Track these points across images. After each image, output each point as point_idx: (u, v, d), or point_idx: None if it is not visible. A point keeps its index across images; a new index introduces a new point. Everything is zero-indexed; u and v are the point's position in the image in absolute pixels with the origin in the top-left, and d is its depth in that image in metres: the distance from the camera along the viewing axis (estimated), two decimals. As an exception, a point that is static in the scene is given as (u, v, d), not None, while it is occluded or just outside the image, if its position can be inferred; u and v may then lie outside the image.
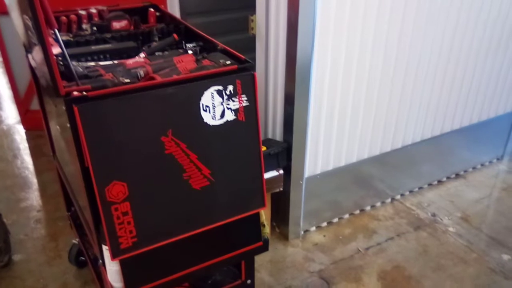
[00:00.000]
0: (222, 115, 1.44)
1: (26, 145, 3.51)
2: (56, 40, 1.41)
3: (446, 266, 2.37)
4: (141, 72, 1.46)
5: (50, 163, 2.22)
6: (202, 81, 1.38)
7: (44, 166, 3.20)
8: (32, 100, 3.49)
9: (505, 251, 2.48)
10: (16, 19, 1.58)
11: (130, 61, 1.57)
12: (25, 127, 3.68)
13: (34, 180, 3.10)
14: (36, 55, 1.66)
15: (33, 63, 1.78)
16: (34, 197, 2.93)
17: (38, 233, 2.60)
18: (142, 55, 1.67)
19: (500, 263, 2.39)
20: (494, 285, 2.25)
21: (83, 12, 1.91)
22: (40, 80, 1.82)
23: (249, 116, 1.48)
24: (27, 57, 1.88)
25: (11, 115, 3.93)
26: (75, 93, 1.27)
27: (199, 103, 1.39)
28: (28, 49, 1.84)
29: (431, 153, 2.89)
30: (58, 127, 1.68)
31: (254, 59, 2.39)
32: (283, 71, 2.22)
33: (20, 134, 3.65)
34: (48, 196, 2.92)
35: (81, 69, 1.50)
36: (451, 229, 2.65)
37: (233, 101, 1.44)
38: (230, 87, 1.42)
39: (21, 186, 3.03)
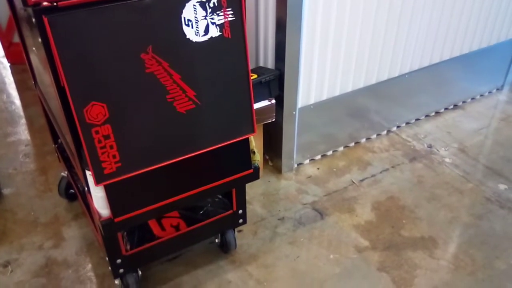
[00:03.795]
0: (206, 31, 1.34)
1: (12, 79, 3.41)
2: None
3: (441, 196, 2.35)
4: (118, -16, 1.35)
5: (36, 97, 2.14)
6: (183, -8, 1.27)
7: (31, 100, 3.12)
8: (14, 32, 3.35)
9: (501, 181, 2.45)
10: None
11: (106, -26, 1.45)
12: (9, 61, 3.57)
13: (21, 114, 3.03)
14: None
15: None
16: (21, 131, 2.86)
17: (27, 167, 2.56)
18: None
19: (496, 193, 2.37)
20: (489, 214, 2.24)
21: None
22: (17, 9, 1.71)
23: (235, 33, 1.38)
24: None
25: (-5, 49, 3.79)
26: (45, 3, 1.17)
27: (181, 17, 1.29)
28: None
29: (429, 83, 2.81)
30: (34, 49, 1.58)
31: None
32: (274, -7, 2.10)
33: (5, 68, 3.54)
34: (35, 130, 2.86)
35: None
36: (447, 160, 2.61)
37: (218, 15, 1.33)
38: (214, -1, 1.31)
39: (8, 120, 2.96)
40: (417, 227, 2.16)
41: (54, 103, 1.62)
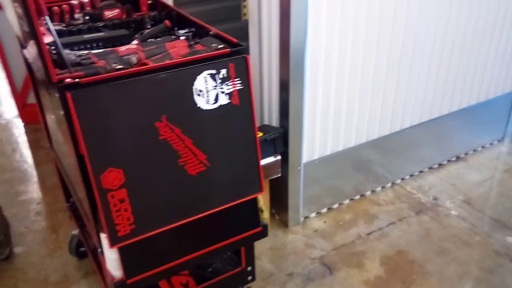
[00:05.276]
0: (216, 100, 1.43)
1: (25, 138, 3.51)
2: (48, 28, 1.40)
3: (450, 249, 2.35)
4: (134, 59, 1.45)
5: (49, 156, 2.22)
6: (195, 66, 1.37)
7: (43, 158, 3.19)
8: (29, 94, 3.48)
9: (509, 233, 2.45)
10: (10, 13, 1.57)
11: (122, 48, 1.55)
12: (23, 121, 3.68)
13: (33, 173, 3.10)
14: (31, 48, 1.65)
15: (28, 57, 1.78)
16: (33, 189, 2.93)
17: (39, 226, 2.60)
18: (134, 42, 1.65)
19: (505, 245, 2.37)
20: (499, 268, 2.23)
21: (75, 2, 1.89)
22: (36, 73, 1.82)
23: (243, 100, 1.47)
24: (22, 52, 1.87)
25: (9, 109, 3.91)
26: (68, 80, 1.26)
27: (193, 88, 1.38)
28: (23, 44, 1.84)
29: (431, 136, 2.87)
30: (53, 116, 1.67)
31: (248, 47, 2.37)
32: (277, 56, 2.20)
33: (18, 128, 3.65)
34: (47, 188, 2.92)
35: (74, 57, 1.49)
36: (453, 212, 2.63)
37: (227, 85, 1.42)
38: (223, 71, 1.40)
39: (20, 179, 3.03)
40: (427, 283, 2.16)
41: (69, 164, 1.69)
